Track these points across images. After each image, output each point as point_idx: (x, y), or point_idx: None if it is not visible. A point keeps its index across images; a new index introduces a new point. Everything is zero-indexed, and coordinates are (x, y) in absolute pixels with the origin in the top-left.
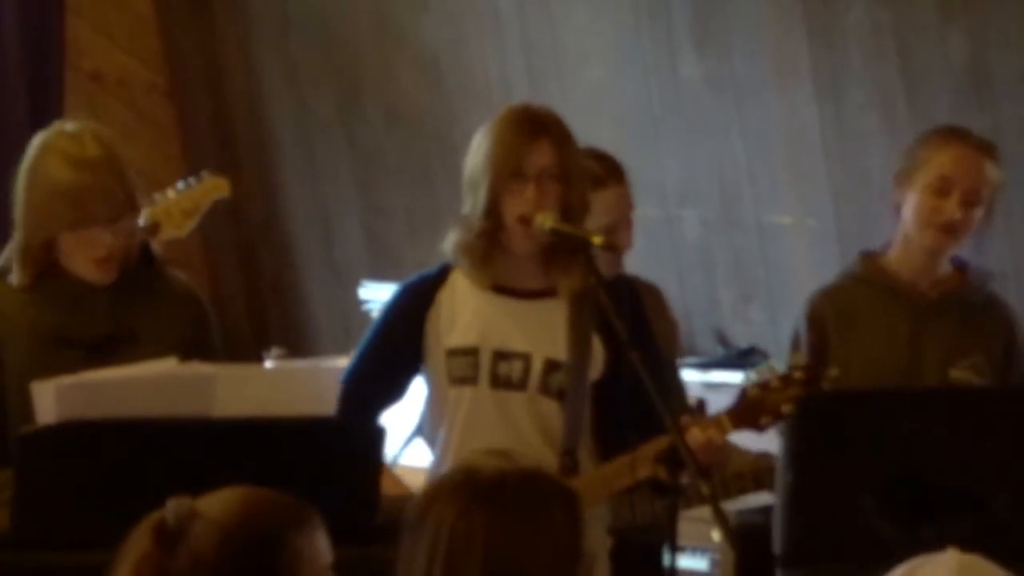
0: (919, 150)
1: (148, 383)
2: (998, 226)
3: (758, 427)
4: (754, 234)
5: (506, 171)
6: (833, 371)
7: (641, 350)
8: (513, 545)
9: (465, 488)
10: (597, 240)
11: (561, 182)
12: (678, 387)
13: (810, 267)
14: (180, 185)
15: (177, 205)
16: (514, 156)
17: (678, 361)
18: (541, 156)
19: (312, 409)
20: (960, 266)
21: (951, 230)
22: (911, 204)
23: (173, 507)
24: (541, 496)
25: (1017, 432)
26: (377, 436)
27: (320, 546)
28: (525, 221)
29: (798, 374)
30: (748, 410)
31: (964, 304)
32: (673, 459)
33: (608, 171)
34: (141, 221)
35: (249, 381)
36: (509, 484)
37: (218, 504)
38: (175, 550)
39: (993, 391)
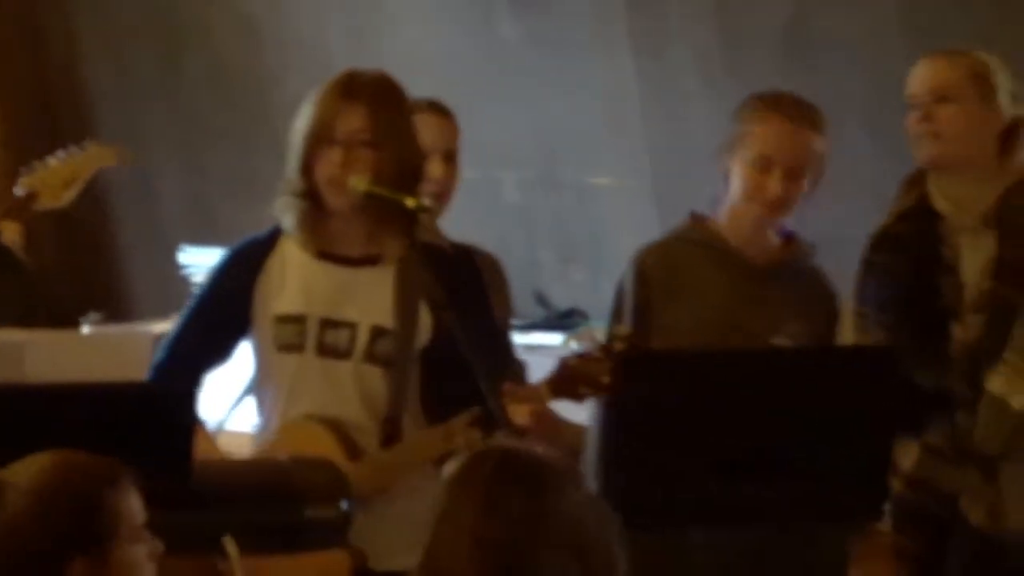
0: (741, 122)
1: None
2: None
3: (577, 397)
4: (574, 195)
5: (317, 134)
6: (623, 329)
7: (472, 319)
8: None
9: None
10: (411, 203)
11: (374, 147)
12: (514, 360)
13: (630, 228)
14: (61, 154)
15: (56, 174)
16: (325, 120)
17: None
18: (352, 120)
19: (124, 374)
20: (787, 237)
21: (775, 206)
22: (735, 177)
23: None
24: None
25: (834, 392)
26: (189, 400)
27: (134, 504)
28: (334, 183)
29: (619, 344)
30: (567, 380)
31: (789, 274)
32: (488, 424)
33: (433, 107)
34: (18, 190)
35: (60, 348)
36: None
37: (26, 472)
38: None
39: (810, 352)
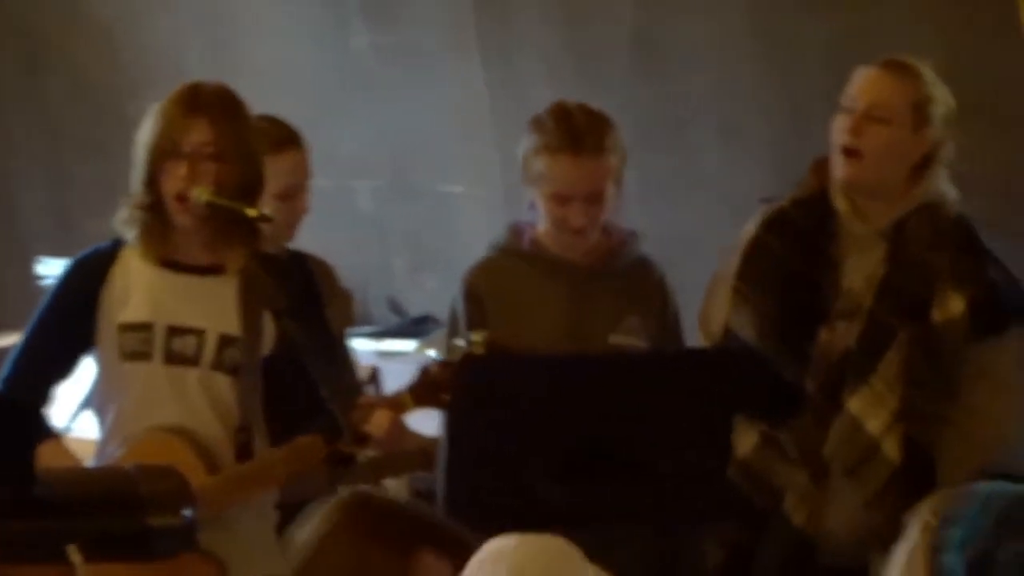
0: (530, 155)
1: None
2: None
3: (439, 404)
4: (426, 203)
5: (162, 148)
6: (482, 335)
7: (309, 327)
8: None
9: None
10: (251, 212)
11: (218, 160)
12: (348, 364)
13: (482, 235)
14: None
15: None
16: (170, 134)
17: (352, 331)
18: (197, 134)
19: None
20: (605, 231)
21: (582, 231)
22: (539, 205)
23: None
24: None
25: (678, 396)
26: (33, 411)
27: None
28: (180, 198)
29: (479, 350)
30: (429, 388)
31: (615, 269)
32: (333, 434)
33: (285, 136)
34: None
35: None
36: None
37: None
38: None
39: (653, 355)
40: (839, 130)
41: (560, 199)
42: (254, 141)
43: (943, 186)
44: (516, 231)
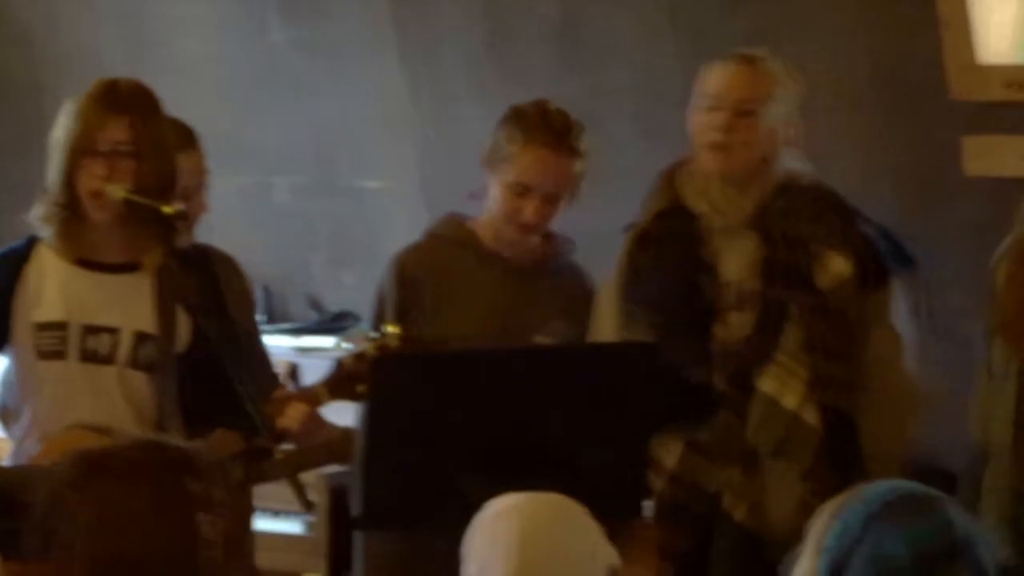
0: (503, 140)
1: None
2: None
3: (355, 397)
4: (346, 199)
5: (79, 146)
6: (396, 327)
7: (222, 322)
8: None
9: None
10: (168, 210)
11: (136, 158)
12: (261, 356)
13: (401, 231)
14: None
15: None
16: (87, 131)
17: (272, 327)
18: (114, 132)
19: None
20: (546, 235)
21: (528, 229)
22: (493, 193)
23: None
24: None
25: (594, 389)
26: None
27: None
28: (97, 195)
29: (394, 342)
30: (344, 380)
31: (549, 272)
32: (249, 429)
33: (183, 137)
34: None
35: None
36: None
37: None
38: None
39: (573, 350)
40: (707, 128)
41: (519, 189)
42: (170, 138)
43: (795, 164)
44: (454, 219)
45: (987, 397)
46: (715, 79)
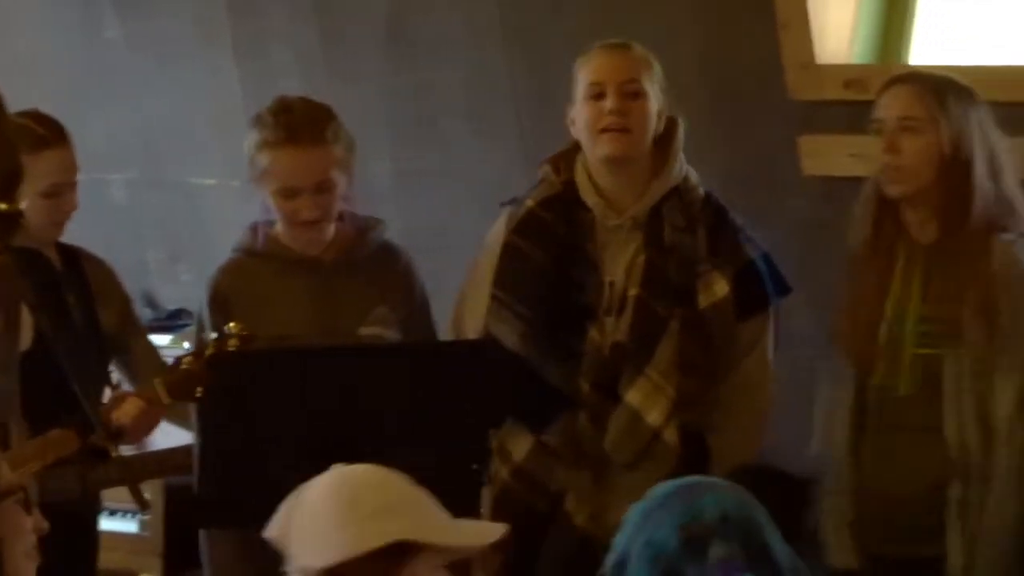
0: (253, 152)
1: None
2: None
3: (193, 397)
4: (180, 195)
5: None
6: (235, 326)
7: (62, 321)
8: None
9: None
10: (3, 207)
11: None
12: (144, 353)
13: (235, 227)
14: None
15: None
16: None
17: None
18: None
19: None
20: (345, 221)
21: (313, 225)
22: (268, 202)
23: None
24: None
25: (427, 387)
26: None
27: None
28: None
29: (232, 342)
30: (183, 380)
31: (359, 259)
32: (85, 428)
33: (51, 133)
34: None
35: None
36: None
37: None
38: None
39: (394, 347)
40: (600, 114)
41: (287, 193)
42: (10, 135)
43: (685, 168)
44: (252, 231)
45: (828, 401)
46: (596, 66)
